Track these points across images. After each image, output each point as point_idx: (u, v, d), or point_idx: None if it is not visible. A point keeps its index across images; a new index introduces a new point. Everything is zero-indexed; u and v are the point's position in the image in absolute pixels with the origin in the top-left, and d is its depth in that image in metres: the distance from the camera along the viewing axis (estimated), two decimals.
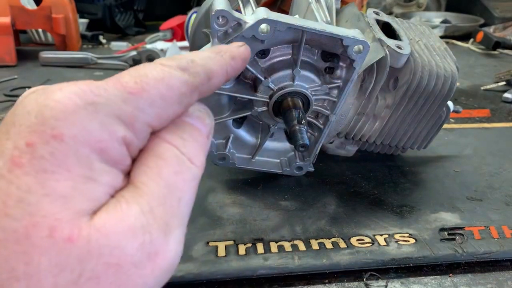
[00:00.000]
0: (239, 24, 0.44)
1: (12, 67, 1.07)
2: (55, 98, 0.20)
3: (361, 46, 0.46)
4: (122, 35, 1.42)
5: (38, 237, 0.18)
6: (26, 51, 1.20)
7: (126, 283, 0.19)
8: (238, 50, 0.28)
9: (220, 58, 0.26)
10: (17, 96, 0.87)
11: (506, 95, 0.87)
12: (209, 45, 0.47)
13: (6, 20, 1.05)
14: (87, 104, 0.20)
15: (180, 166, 0.22)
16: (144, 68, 0.23)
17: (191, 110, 0.25)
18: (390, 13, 1.59)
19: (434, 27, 1.40)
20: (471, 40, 1.32)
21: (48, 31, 1.17)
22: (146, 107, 0.21)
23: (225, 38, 0.45)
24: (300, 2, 0.55)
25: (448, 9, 1.65)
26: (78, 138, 0.19)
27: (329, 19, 0.53)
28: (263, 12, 0.44)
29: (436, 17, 1.56)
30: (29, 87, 0.98)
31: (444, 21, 1.50)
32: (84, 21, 1.34)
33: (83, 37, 1.29)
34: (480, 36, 1.26)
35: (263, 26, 0.44)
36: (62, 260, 0.18)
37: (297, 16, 0.54)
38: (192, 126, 0.24)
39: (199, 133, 0.24)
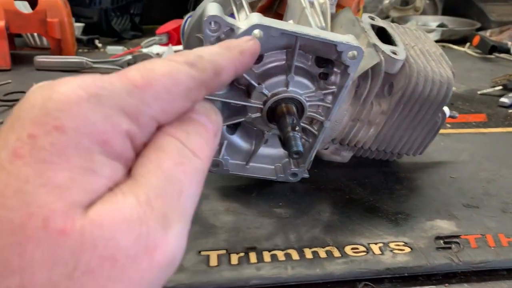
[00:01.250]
0: (232, 29, 0.44)
1: (6, 71, 1.06)
2: (59, 91, 0.20)
3: (355, 52, 0.45)
4: (118, 39, 1.41)
5: (32, 228, 0.18)
6: (21, 55, 1.19)
7: (122, 278, 0.19)
8: (247, 45, 0.29)
9: (229, 53, 0.26)
10: (12, 100, 0.86)
11: (503, 99, 0.86)
12: None
13: (1, 24, 1.04)
14: (90, 97, 0.20)
15: (181, 158, 0.22)
16: (152, 63, 0.23)
17: (198, 106, 0.24)
18: (387, 17, 1.59)
19: (430, 31, 1.40)
20: (468, 44, 1.32)
21: (43, 35, 1.16)
22: (151, 101, 0.21)
23: None
24: (295, 7, 0.54)
25: (445, 13, 1.65)
26: (80, 129, 0.19)
27: (323, 24, 0.52)
28: (256, 18, 0.43)
29: (433, 21, 1.56)
30: (24, 92, 0.97)
31: (440, 25, 1.50)
32: (79, 25, 1.33)
33: (79, 41, 1.28)
34: (476, 40, 1.26)
35: (256, 32, 0.43)
36: (55, 253, 0.18)
37: (291, 21, 0.53)
38: (198, 122, 0.24)
39: (205, 129, 0.24)
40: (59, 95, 0.20)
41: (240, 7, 0.55)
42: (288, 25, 0.44)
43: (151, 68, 0.22)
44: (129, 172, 0.22)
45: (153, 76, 0.22)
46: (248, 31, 0.43)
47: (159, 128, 0.23)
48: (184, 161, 0.22)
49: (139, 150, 0.22)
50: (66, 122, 0.19)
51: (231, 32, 0.44)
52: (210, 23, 0.43)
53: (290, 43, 0.47)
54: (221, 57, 0.26)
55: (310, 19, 0.49)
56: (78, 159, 0.19)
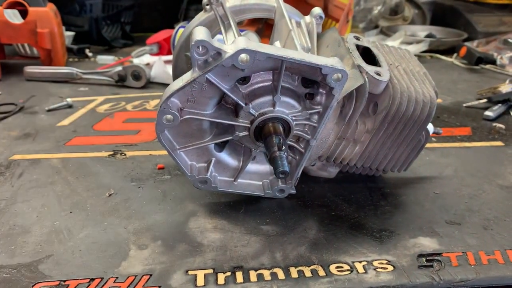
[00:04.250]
0: (219, 53, 0.45)
1: None
2: None
3: (339, 75, 0.47)
4: (109, 48, 1.41)
5: None
6: (11, 64, 1.19)
7: None
8: None
9: None
10: (1, 113, 0.86)
11: (487, 113, 0.88)
12: (189, 72, 0.47)
13: None
14: None
15: None
16: None
17: None
18: (376, 26, 1.61)
19: (419, 41, 1.42)
20: (455, 54, 1.34)
21: (33, 46, 1.16)
22: None
23: (205, 67, 0.46)
24: (281, 29, 0.55)
25: (433, 22, 1.67)
26: None
27: (309, 45, 0.53)
28: (243, 42, 0.44)
29: (421, 31, 1.58)
30: (13, 104, 0.95)
31: (429, 35, 1.52)
32: (70, 33, 1.33)
33: (69, 50, 1.28)
34: (463, 51, 1.28)
35: (243, 56, 0.44)
36: None
37: (277, 42, 0.54)
38: None
39: None
40: None
41: (228, 27, 0.56)
42: (274, 49, 0.45)
43: None
44: None
45: None
46: (235, 56, 0.44)
47: None
48: None
49: None
50: None
51: (218, 55, 0.45)
52: (198, 47, 0.44)
53: (276, 65, 0.48)
54: None
55: (295, 41, 0.50)
56: None
